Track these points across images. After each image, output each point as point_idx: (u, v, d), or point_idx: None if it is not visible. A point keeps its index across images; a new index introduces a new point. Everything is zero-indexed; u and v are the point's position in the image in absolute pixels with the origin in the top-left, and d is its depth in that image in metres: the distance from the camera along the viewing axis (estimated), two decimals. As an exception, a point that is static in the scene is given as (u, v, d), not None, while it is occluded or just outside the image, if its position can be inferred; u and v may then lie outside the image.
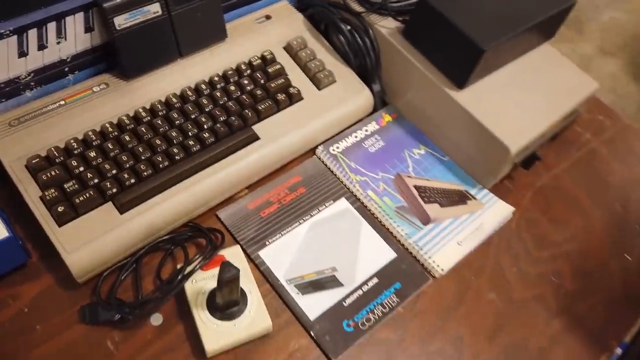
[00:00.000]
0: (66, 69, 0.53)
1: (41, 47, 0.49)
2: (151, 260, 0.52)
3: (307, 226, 0.57)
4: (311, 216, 0.57)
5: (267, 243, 0.55)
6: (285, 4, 0.67)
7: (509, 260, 0.59)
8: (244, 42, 0.61)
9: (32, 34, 0.48)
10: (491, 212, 0.61)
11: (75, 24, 0.51)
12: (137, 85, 0.55)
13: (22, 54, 0.49)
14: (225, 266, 0.42)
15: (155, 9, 0.53)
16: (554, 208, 0.64)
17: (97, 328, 0.47)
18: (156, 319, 0.49)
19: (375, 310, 0.52)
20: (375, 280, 0.54)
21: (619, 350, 0.55)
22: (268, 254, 0.54)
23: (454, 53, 0.59)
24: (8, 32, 0.47)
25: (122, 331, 0.47)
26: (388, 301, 0.53)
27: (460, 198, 0.62)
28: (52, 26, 0.49)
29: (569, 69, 0.66)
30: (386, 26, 0.64)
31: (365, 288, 0.54)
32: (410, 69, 0.62)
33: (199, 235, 0.53)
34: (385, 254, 0.56)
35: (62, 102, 0.52)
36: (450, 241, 0.58)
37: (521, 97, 0.61)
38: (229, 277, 0.41)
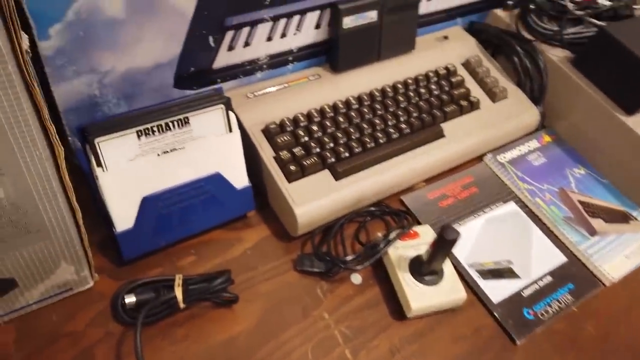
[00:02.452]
0: (290, 58, 0.62)
1: (283, 35, 0.58)
2: (347, 228, 0.57)
3: (483, 220, 0.61)
4: (485, 212, 0.62)
5: (447, 230, 0.59)
6: (459, 28, 0.75)
7: (676, 281, 0.60)
8: (429, 54, 0.69)
9: (282, 22, 0.58)
10: (656, 234, 0.63)
11: (310, 19, 0.60)
12: (343, 78, 0.63)
13: (269, 39, 0.58)
14: (448, 227, 0.46)
15: (372, 15, 0.61)
16: None
17: (307, 276, 0.53)
18: (356, 279, 0.54)
19: (552, 304, 0.55)
20: (549, 278, 0.57)
21: None
22: (449, 239, 0.58)
23: (628, 80, 0.63)
24: (268, 18, 0.56)
25: (328, 283, 0.53)
26: (563, 298, 0.56)
27: (622, 218, 0.64)
28: (296, 18, 0.58)
29: None
30: (555, 54, 0.70)
31: (540, 283, 0.56)
32: (579, 94, 0.67)
33: (389, 214, 0.59)
34: (557, 257, 0.59)
35: (286, 85, 0.61)
36: (618, 254, 0.60)
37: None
38: (453, 237, 0.46)
